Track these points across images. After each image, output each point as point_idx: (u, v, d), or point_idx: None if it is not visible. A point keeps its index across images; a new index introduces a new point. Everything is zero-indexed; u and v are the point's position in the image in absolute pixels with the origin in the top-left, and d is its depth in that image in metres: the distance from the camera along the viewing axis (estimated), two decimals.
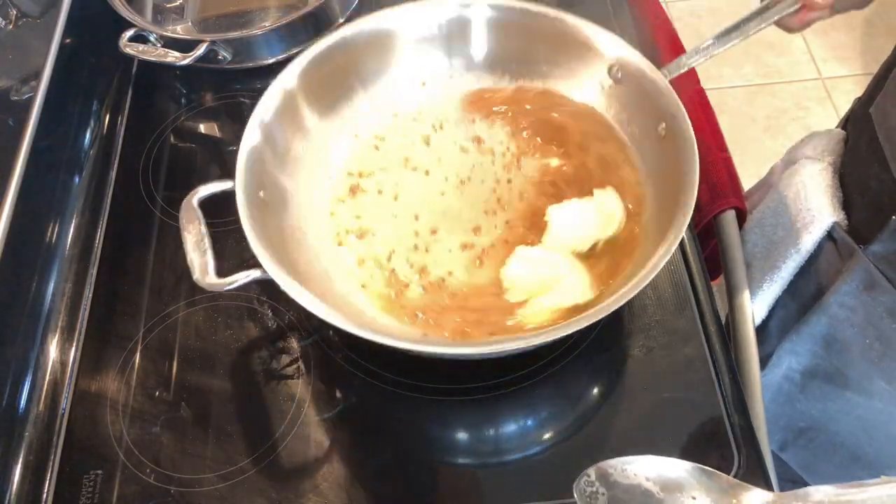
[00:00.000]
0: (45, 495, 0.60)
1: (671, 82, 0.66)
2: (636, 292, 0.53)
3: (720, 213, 0.74)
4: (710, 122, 0.80)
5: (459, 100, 0.76)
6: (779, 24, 0.64)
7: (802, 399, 0.74)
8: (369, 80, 0.74)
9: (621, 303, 0.53)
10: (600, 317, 0.53)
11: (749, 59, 1.97)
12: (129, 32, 0.81)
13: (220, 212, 0.63)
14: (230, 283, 0.56)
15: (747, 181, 0.82)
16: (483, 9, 0.73)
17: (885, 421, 0.68)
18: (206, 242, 0.58)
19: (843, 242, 0.63)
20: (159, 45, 0.82)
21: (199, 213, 0.60)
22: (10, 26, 0.78)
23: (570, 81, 0.73)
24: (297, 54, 0.69)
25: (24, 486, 0.60)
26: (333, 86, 0.72)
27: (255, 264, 0.56)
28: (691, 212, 0.56)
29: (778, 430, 0.77)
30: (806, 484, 0.81)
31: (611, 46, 0.69)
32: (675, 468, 0.44)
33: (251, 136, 0.64)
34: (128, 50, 0.81)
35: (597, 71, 0.71)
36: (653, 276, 0.53)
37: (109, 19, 0.82)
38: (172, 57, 0.80)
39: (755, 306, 0.72)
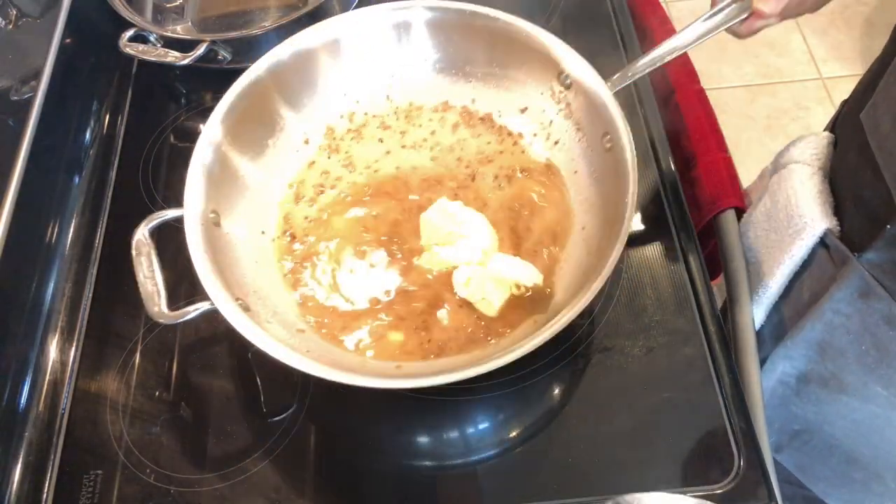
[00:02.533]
0: (45, 495, 0.60)
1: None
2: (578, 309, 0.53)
3: (720, 213, 0.74)
4: (710, 122, 0.80)
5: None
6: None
7: (797, 402, 0.73)
8: (298, 103, 0.73)
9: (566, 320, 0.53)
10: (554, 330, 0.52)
11: (749, 59, 1.97)
12: (129, 32, 0.81)
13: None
14: (181, 317, 0.56)
15: (747, 181, 0.82)
16: (424, 11, 0.72)
17: (882, 425, 0.68)
18: (157, 274, 0.58)
19: (837, 249, 0.63)
20: (159, 45, 0.82)
21: (150, 242, 0.59)
22: (10, 26, 0.78)
23: (523, 86, 0.73)
24: None
25: (24, 486, 0.60)
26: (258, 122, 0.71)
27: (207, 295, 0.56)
28: (624, 239, 0.56)
29: (773, 432, 0.76)
30: (801, 485, 0.81)
31: (559, 53, 0.69)
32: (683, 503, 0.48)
33: (199, 161, 0.63)
34: (128, 50, 0.81)
35: (547, 76, 0.71)
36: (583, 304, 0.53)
37: (109, 19, 0.82)
38: (172, 57, 0.80)
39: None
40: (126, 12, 0.82)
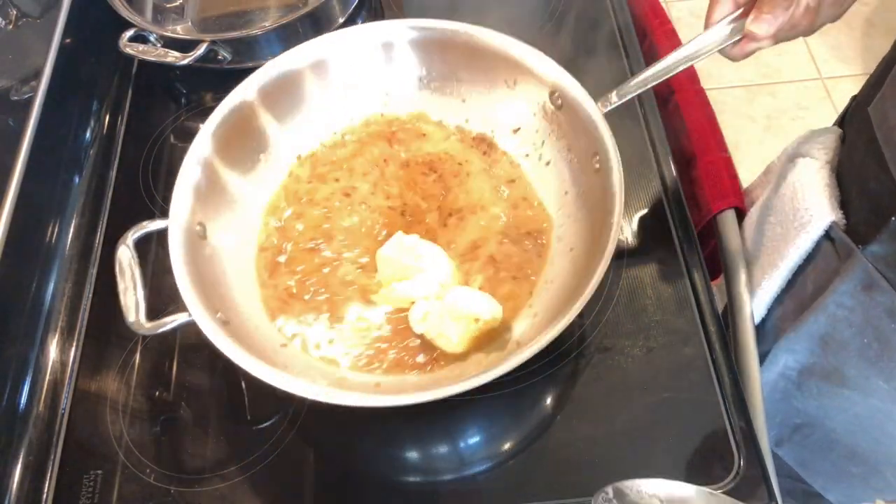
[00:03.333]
0: (45, 495, 0.60)
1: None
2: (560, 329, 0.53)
3: (720, 213, 0.74)
4: (710, 122, 0.80)
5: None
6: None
7: (799, 396, 0.73)
8: (287, 122, 0.73)
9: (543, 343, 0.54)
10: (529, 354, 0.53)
11: (749, 59, 1.97)
12: (129, 32, 0.81)
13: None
14: (158, 328, 0.57)
15: (747, 181, 0.82)
16: (408, 30, 0.72)
17: (882, 419, 0.68)
18: (139, 284, 0.59)
19: (842, 242, 0.63)
20: (159, 45, 0.82)
21: (133, 252, 0.60)
22: (10, 26, 0.78)
23: (515, 105, 0.72)
24: None
25: (24, 486, 0.60)
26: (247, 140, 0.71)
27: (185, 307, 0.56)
28: (608, 261, 0.55)
29: (774, 426, 0.77)
30: (802, 480, 0.81)
31: (550, 73, 0.68)
32: (685, 490, 0.48)
33: (186, 177, 0.63)
34: (128, 50, 0.81)
35: (539, 96, 0.70)
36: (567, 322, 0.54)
37: (109, 19, 0.82)
38: (172, 57, 0.80)
39: (754, 305, 0.72)
40: (126, 12, 0.83)
